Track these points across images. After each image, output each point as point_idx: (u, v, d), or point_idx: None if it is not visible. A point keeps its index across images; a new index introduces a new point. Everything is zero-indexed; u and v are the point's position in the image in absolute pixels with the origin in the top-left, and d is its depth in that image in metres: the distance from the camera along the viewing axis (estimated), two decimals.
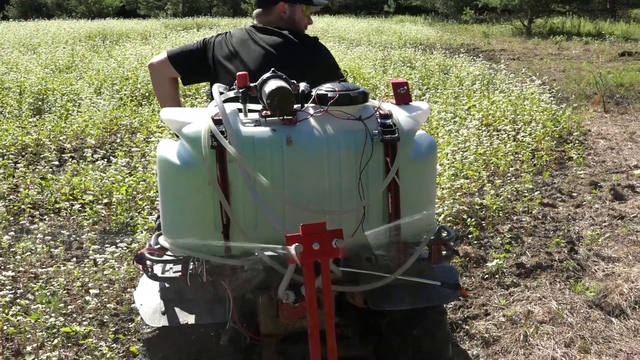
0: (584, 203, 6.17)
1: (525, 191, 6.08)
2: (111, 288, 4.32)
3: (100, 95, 9.96)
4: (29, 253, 4.72)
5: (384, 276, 2.55)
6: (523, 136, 7.48)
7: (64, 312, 3.94)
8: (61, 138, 7.92)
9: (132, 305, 4.19)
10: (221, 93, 2.59)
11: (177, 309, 2.62)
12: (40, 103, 9.91)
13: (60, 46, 16.89)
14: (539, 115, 8.43)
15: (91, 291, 4.13)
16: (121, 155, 6.73)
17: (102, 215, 5.61)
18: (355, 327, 2.97)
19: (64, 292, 4.24)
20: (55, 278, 4.37)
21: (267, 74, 2.55)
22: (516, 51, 19.96)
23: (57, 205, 5.87)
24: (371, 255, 2.56)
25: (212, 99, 2.63)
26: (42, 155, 7.16)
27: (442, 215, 5.35)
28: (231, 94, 2.61)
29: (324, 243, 2.23)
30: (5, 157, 6.89)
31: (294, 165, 2.43)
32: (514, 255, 4.97)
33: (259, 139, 2.42)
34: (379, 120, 2.54)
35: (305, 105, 2.58)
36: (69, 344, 3.73)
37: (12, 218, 5.56)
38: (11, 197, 5.95)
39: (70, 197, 5.96)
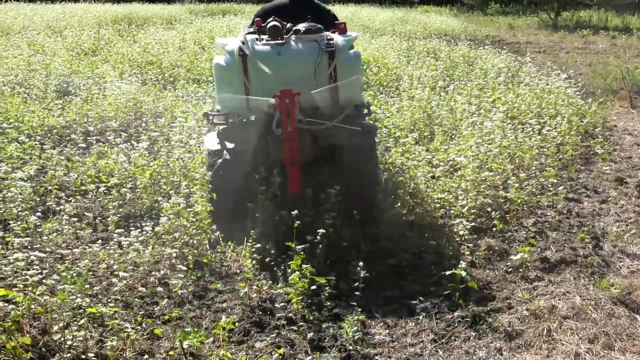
0: (609, 199, 6.13)
1: (550, 185, 6.04)
2: (136, 271, 4.36)
3: (124, 79, 9.99)
4: (55, 234, 4.77)
5: (326, 122, 4.99)
6: (548, 130, 7.42)
7: (89, 293, 3.98)
8: (86, 121, 7.97)
9: (157, 289, 4.24)
10: (246, 31, 5.20)
11: (226, 142, 5.05)
12: (65, 85, 9.97)
13: (86, 29, 16.96)
14: (565, 109, 8.35)
15: (119, 273, 4.16)
16: (145, 140, 6.76)
17: (127, 198, 5.65)
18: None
19: (90, 273, 4.29)
20: (80, 259, 4.41)
21: (270, 19, 5.08)
22: (542, 44, 19.77)
23: (83, 188, 5.93)
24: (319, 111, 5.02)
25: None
26: (68, 138, 7.21)
27: (466, 208, 5.33)
28: (252, 29, 5.25)
29: (291, 99, 4.78)
30: (32, 139, 6.94)
31: (281, 65, 4.93)
32: (538, 249, 4.95)
33: (263, 51, 4.94)
34: (325, 41, 4.97)
35: (289, 35, 5.06)
36: (95, 325, 3.77)
37: (38, 199, 5.62)
38: (38, 178, 6.01)
39: (96, 180, 6.00)
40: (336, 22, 5.51)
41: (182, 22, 20.80)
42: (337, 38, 5.04)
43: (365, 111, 5.28)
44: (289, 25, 5.12)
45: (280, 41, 4.97)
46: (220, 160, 4.89)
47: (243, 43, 4.90)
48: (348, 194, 4.86)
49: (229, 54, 4.97)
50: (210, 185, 4.93)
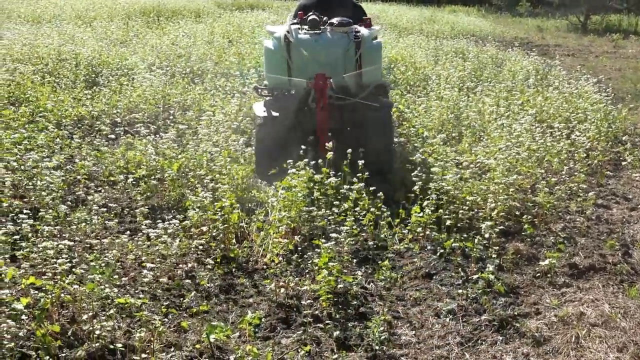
0: (639, 206, 6.06)
1: (579, 191, 5.98)
2: (163, 263, 4.37)
3: (152, 71, 10.03)
4: (84, 223, 4.80)
5: (351, 99, 6.11)
6: (577, 135, 7.35)
7: (117, 283, 4.00)
8: (115, 112, 8.01)
9: (184, 281, 4.25)
10: (291, 22, 6.45)
11: (271, 111, 6.14)
12: (94, 76, 10.03)
13: (115, 20, 17.06)
14: (594, 114, 8.27)
15: (147, 265, 4.18)
16: (173, 132, 6.78)
17: (155, 190, 5.68)
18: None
19: (118, 264, 4.31)
20: (109, 249, 4.44)
21: (310, 13, 6.30)
22: (571, 47, 19.60)
23: (112, 178, 5.96)
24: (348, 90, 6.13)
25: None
26: (97, 128, 7.26)
27: (495, 211, 5.29)
28: (296, 21, 6.47)
29: (324, 80, 5.84)
30: (61, 128, 6.99)
31: (317, 50, 6.07)
32: (567, 255, 4.91)
33: (303, 39, 6.10)
34: (354, 33, 6.14)
35: (325, 26, 6.21)
36: (123, 315, 3.79)
37: (67, 188, 5.66)
38: (67, 167, 6.05)
39: (124, 171, 6.03)
40: (364, 16, 6.92)
41: (211, 15, 20.84)
42: (363, 30, 6.29)
43: (385, 88, 6.62)
44: (325, 18, 6.33)
45: (317, 31, 6.19)
46: (261, 122, 6.10)
47: (288, 32, 6.13)
48: (368, 155, 5.59)
49: (276, 39, 6.20)
50: (256, 142, 6.25)
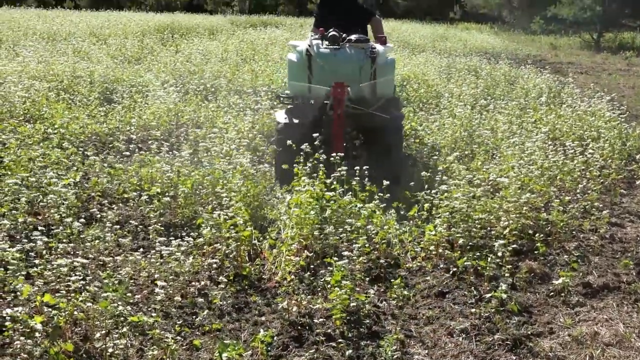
0: None
1: (593, 209, 5.96)
2: (176, 281, 4.39)
3: (166, 88, 10.10)
4: (97, 241, 4.82)
5: (364, 109, 6.43)
6: (591, 153, 7.32)
7: (130, 301, 4.02)
8: (129, 129, 8.06)
9: (197, 299, 4.26)
10: (313, 38, 6.74)
11: (292, 117, 6.59)
12: (109, 93, 10.12)
13: (129, 38, 17.20)
14: (607, 132, 8.24)
15: (158, 283, 4.19)
16: (187, 149, 6.82)
17: (169, 207, 5.70)
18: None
19: (131, 281, 4.33)
20: (122, 267, 4.46)
21: (331, 29, 6.61)
22: (584, 65, 19.60)
23: (125, 195, 5.98)
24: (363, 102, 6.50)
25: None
26: (110, 145, 7.31)
27: (507, 229, 5.27)
28: (317, 36, 6.68)
29: (342, 88, 6.24)
30: (75, 145, 7.04)
31: (336, 64, 6.47)
32: (581, 274, 4.88)
33: (324, 53, 6.49)
34: (370, 49, 6.51)
35: (344, 42, 6.60)
36: (136, 333, 3.80)
37: (81, 205, 5.70)
38: (81, 184, 6.09)
39: (138, 188, 6.06)
40: (372, 16, 7.66)
41: (224, 32, 20.99)
42: (379, 47, 6.70)
43: (396, 101, 7.17)
44: (344, 35, 6.67)
45: (336, 47, 6.58)
46: (282, 127, 6.56)
47: (310, 46, 6.56)
48: (379, 164, 6.21)
49: (298, 53, 6.70)
50: (276, 146, 6.58)
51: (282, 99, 7.02)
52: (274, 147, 6.76)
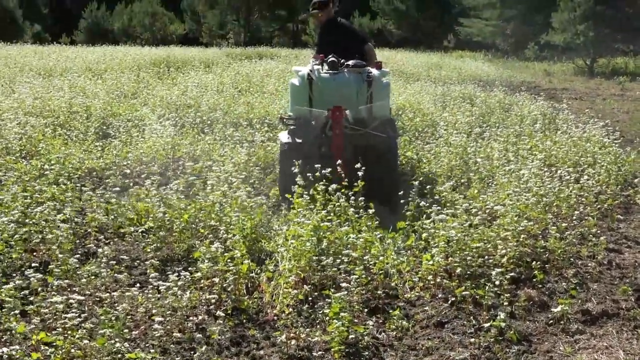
0: None
1: (590, 235, 5.95)
2: (174, 316, 4.36)
3: (163, 122, 10.14)
4: (94, 277, 4.80)
5: (363, 129, 6.92)
6: (587, 179, 7.32)
7: (127, 337, 3.99)
8: (125, 163, 8.07)
9: (195, 335, 4.24)
10: (314, 63, 7.27)
11: (295, 138, 6.98)
12: (105, 128, 10.15)
13: (125, 72, 17.30)
14: (603, 157, 8.26)
15: (156, 318, 4.17)
16: (182, 183, 6.82)
17: (165, 241, 5.69)
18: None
19: (128, 317, 4.30)
20: (119, 303, 4.43)
21: (330, 56, 7.22)
22: (578, 91, 19.71)
23: (122, 230, 5.97)
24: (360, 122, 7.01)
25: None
26: (107, 180, 7.31)
27: (505, 257, 5.26)
28: (317, 62, 7.24)
29: (340, 112, 6.74)
30: (71, 180, 7.04)
31: (336, 87, 7.03)
32: (579, 301, 4.86)
33: (324, 77, 7.08)
34: (367, 73, 7.04)
35: (342, 67, 7.17)
36: None
37: (78, 241, 5.69)
38: (77, 219, 6.08)
39: (135, 222, 6.05)
40: (365, 44, 8.07)
41: (220, 65, 21.11)
42: (375, 72, 7.24)
43: (392, 120, 7.78)
44: (342, 60, 7.24)
45: (335, 72, 7.15)
46: (285, 148, 6.98)
47: (311, 71, 7.10)
48: (373, 180, 6.23)
49: (300, 77, 7.21)
50: (280, 165, 7.10)
51: (285, 120, 7.56)
52: (277, 166, 7.45)
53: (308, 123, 7.10)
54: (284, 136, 7.21)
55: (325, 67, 7.19)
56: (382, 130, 7.05)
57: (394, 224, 5.91)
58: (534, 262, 5.27)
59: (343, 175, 6.15)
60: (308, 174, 6.00)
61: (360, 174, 5.93)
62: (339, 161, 6.32)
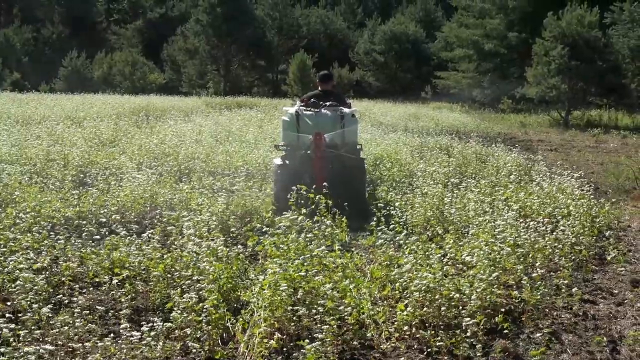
0: (625, 301, 6.06)
1: (564, 286, 5.99)
2: None
3: (141, 170, 10.14)
4: (67, 327, 4.75)
5: (336, 151, 8.86)
6: (561, 230, 7.39)
7: None
8: (102, 212, 8.03)
9: None
10: (299, 105, 9.42)
11: (285, 160, 8.99)
12: (82, 176, 10.12)
13: (104, 120, 17.32)
14: (577, 209, 8.35)
15: None
16: (159, 232, 6.80)
17: (140, 291, 5.65)
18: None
19: None
20: (92, 353, 4.38)
21: (312, 99, 9.51)
22: (553, 142, 19.99)
23: (97, 279, 5.92)
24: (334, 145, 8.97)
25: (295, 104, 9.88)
26: (83, 228, 7.26)
27: (479, 307, 5.26)
28: (302, 104, 9.43)
29: (320, 137, 8.61)
30: (46, 229, 6.99)
31: (316, 121, 8.89)
32: (555, 352, 4.87)
33: (307, 114, 9.01)
34: (341, 111, 9.13)
35: (321, 107, 9.21)
36: None
37: (52, 290, 5.62)
38: (52, 269, 6.02)
39: (110, 272, 6.01)
40: (348, 103, 10.04)
41: (199, 114, 21.21)
42: (345, 110, 9.26)
43: (359, 147, 9.64)
44: (321, 103, 9.32)
45: (317, 110, 9.10)
46: (278, 167, 8.92)
47: (297, 110, 8.99)
48: (345, 190, 8.28)
49: (290, 114, 9.04)
50: (274, 182, 8.95)
51: (278, 147, 9.48)
52: (272, 183, 9.30)
53: (296, 149, 8.95)
54: (277, 160, 9.20)
55: (309, 107, 9.19)
56: (352, 154, 9.20)
57: (362, 226, 7.76)
58: (508, 313, 5.28)
59: (320, 186, 7.54)
60: (294, 188, 7.43)
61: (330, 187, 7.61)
62: (318, 177, 8.19)
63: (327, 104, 9.27)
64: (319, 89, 10.10)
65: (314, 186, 7.55)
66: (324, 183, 7.64)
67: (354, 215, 7.86)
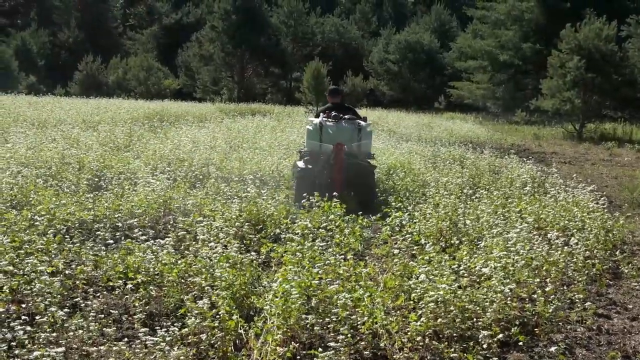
0: (639, 316, 6.02)
1: (579, 300, 5.96)
2: None
3: (155, 175, 10.18)
4: (81, 330, 4.76)
5: (355, 160, 10.19)
6: (575, 243, 7.36)
7: None
8: (117, 216, 8.06)
9: None
10: (323, 117, 10.58)
11: (308, 164, 10.19)
12: (97, 180, 10.17)
13: (119, 125, 17.40)
14: (591, 222, 8.32)
15: None
16: (173, 237, 6.82)
17: (154, 296, 5.66)
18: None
19: None
20: (106, 357, 4.40)
21: (334, 112, 10.72)
22: (567, 155, 19.92)
23: (111, 283, 5.94)
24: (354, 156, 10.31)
25: (318, 116, 10.74)
26: (97, 232, 7.29)
27: (494, 320, 5.25)
28: (325, 116, 10.57)
29: (341, 147, 9.93)
30: (62, 232, 7.02)
31: (337, 131, 10.24)
32: None
33: (330, 125, 10.32)
34: (358, 123, 10.48)
35: (341, 119, 10.52)
36: None
37: (66, 293, 5.65)
38: (66, 272, 6.05)
39: (124, 276, 6.03)
40: (362, 117, 10.99)
41: (213, 120, 21.26)
42: (363, 123, 10.46)
43: (372, 154, 10.72)
44: (341, 115, 10.46)
45: (337, 122, 10.28)
46: (300, 170, 10.07)
47: (321, 121, 10.15)
48: (357, 191, 9.76)
49: (314, 124, 10.22)
50: (296, 185, 10.07)
51: (301, 153, 10.66)
52: (293, 183, 10.48)
53: (318, 155, 10.08)
54: (300, 163, 10.32)
55: (331, 119, 10.36)
56: (365, 161, 10.40)
57: (370, 217, 8.27)
58: (522, 326, 5.26)
59: (338, 190, 8.93)
60: (315, 192, 8.30)
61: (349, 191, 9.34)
62: (337, 181, 9.65)
63: (347, 117, 10.51)
64: (329, 102, 11.16)
65: (331, 190, 8.74)
66: (342, 187, 9.19)
67: (365, 209, 8.83)
